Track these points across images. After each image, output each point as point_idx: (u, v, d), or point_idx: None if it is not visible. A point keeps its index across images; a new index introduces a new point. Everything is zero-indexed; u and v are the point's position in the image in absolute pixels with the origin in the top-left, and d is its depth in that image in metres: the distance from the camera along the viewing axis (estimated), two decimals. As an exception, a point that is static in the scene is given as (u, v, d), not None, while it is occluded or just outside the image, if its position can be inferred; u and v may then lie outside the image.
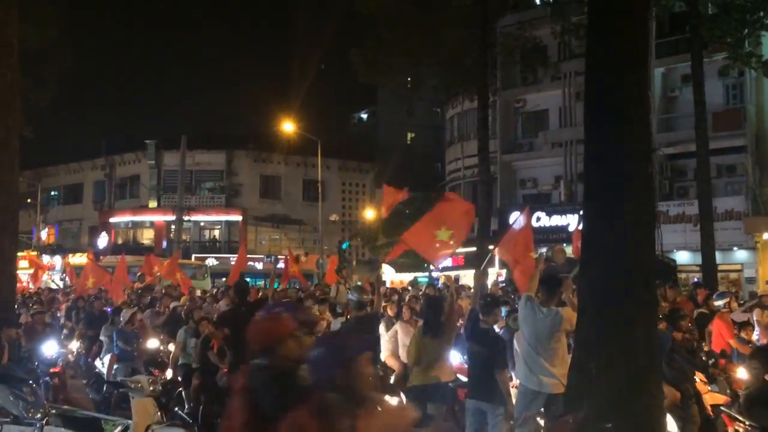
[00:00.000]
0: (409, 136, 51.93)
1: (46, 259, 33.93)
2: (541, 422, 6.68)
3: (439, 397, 7.03)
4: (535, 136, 30.70)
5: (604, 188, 5.70)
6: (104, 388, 10.05)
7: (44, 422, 6.26)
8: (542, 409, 6.53)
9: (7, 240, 10.36)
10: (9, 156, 10.43)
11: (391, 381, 9.19)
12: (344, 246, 32.40)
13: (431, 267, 34.04)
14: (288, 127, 34.42)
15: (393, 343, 9.97)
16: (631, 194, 5.55)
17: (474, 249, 19.58)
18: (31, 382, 6.91)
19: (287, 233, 42.85)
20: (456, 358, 8.67)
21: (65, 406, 7.28)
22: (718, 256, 19.75)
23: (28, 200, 42.07)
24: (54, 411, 6.51)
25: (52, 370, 10.04)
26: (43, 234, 42.02)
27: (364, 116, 55.71)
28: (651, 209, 6.19)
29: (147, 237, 42.86)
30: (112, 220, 42.82)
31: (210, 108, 68.51)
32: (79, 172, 46.34)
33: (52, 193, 47.21)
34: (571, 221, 24.86)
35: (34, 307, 13.49)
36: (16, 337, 9.49)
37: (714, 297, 10.93)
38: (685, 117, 23.86)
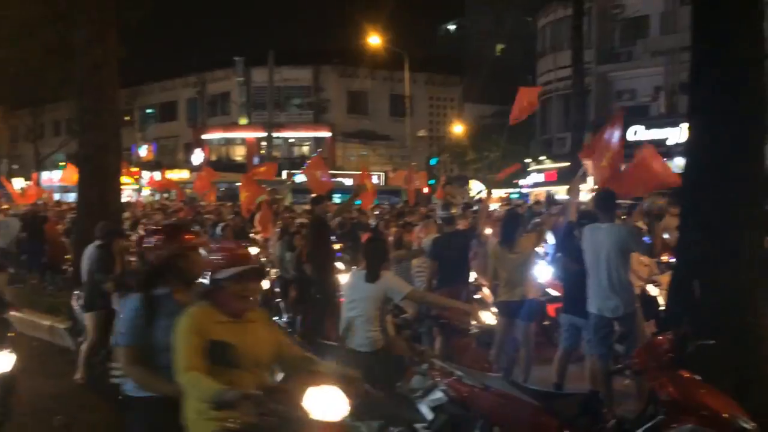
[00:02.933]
0: (499, 47, 50.30)
1: (146, 174, 35.57)
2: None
3: (525, 314, 7.04)
4: (634, 45, 29.11)
5: (711, 98, 5.39)
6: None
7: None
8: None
9: (112, 157, 10.79)
10: (109, 75, 10.67)
11: (480, 296, 9.26)
12: (433, 162, 32.21)
13: (521, 183, 33.65)
14: (374, 40, 33.93)
15: (482, 259, 10.00)
16: (741, 104, 5.24)
17: (568, 164, 19.17)
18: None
19: (375, 149, 43.00)
20: (547, 273, 8.62)
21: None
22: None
23: (127, 118, 43.77)
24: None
25: None
26: (142, 151, 43.83)
27: (452, 28, 54.19)
28: (762, 120, 5.81)
29: (239, 154, 43.98)
30: (205, 137, 44.03)
31: (297, 23, 68.28)
32: (172, 90, 47.57)
33: (148, 111, 48.81)
34: (671, 135, 23.77)
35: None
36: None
37: None
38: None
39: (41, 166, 39.69)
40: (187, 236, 3.64)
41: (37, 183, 27.92)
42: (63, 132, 46.26)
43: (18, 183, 29.25)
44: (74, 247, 10.96)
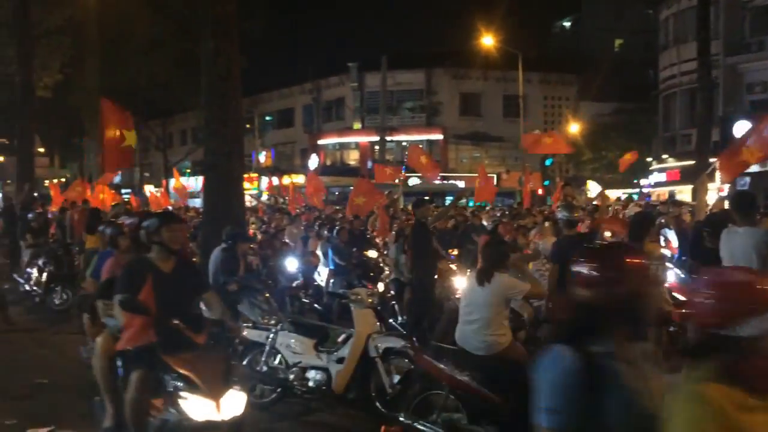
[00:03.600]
0: (617, 42, 48.45)
1: (264, 180, 36.92)
2: None
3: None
4: (767, 34, 27.28)
5: None
6: (323, 300, 10.85)
7: (278, 328, 6.93)
8: None
9: (235, 163, 11.22)
10: (232, 85, 11.08)
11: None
12: (547, 163, 31.43)
13: (641, 183, 32.28)
14: (487, 41, 33.55)
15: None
16: None
17: (692, 162, 18.20)
18: (265, 292, 7.63)
19: (488, 151, 42.58)
20: (671, 277, 8.24)
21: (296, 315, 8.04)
22: None
23: (247, 126, 45.55)
24: (287, 318, 7.18)
25: (294, 283, 10.85)
26: (262, 157, 45.50)
27: (567, 24, 52.78)
28: None
29: (353, 158, 44.75)
30: (320, 142, 45.13)
31: (408, 26, 68.69)
32: (289, 98, 49.05)
33: (267, 118, 50.58)
34: (809, 128, 22.07)
35: (278, 225, 14.46)
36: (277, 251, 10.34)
37: None
38: None
39: (170, 173, 42.09)
40: (637, 262, 2.40)
41: (166, 190, 29.62)
42: (189, 141, 48.82)
43: (148, 190, 31.20)
44: (200, 251, 11.51)
